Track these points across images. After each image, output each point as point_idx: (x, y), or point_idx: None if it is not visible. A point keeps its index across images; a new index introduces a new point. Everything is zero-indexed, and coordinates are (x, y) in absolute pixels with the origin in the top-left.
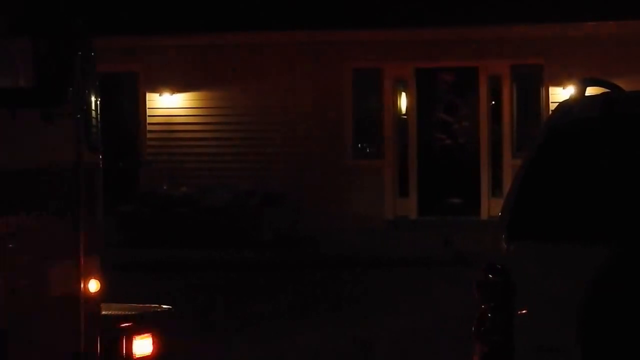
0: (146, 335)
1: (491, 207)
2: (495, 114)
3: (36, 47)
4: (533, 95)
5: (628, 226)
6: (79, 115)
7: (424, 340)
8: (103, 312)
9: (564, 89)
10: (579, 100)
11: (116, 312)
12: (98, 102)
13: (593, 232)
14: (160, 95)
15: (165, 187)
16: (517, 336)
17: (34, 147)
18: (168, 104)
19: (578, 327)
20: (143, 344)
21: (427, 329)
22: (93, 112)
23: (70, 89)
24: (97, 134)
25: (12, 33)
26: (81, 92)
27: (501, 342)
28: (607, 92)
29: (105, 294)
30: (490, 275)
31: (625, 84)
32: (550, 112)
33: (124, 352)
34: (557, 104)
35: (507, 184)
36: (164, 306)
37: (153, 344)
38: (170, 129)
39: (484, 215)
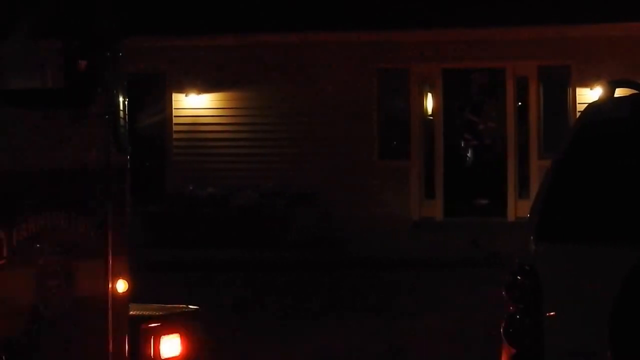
0: (174, 335)
1: (518, 208)
2: (522, 115)
3: (65, 48)
4: (560, 96)
5: None
6: (107, 116)
7: (452, 341)
8: (131, 313)
9: (591, 90)
10: (608, 102)
11: (144, 313)
12: (126, 103)
13: (623, 233)
14: (186, 96)
15: (191, 188)
16: (546, 339)
17: (63, 147)
18: (194, 105)
19: (608, 330)
20: (171, 345)
21: (455, 331)
22: (121, 113)
23: (99, 89)
24: (125, 135)
25: (42, 34)
26: (109, 93)
27: (530, 344)
28: (636, 94)
29: (133, 294)
30: (519, 277)
31: None
32: (577, 113)
33: (152, 352)
34: (586, 105)
35: (533, 185)
36: (192, 306)
37: (181, 344)
38: (196, 129)
39: (510, 216)
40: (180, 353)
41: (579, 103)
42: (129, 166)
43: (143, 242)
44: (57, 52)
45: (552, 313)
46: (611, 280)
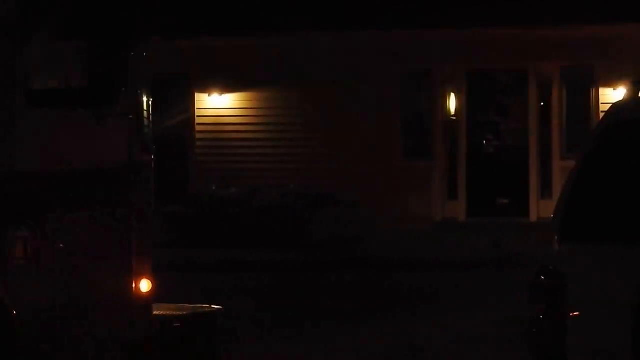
0: (196, 334)
1: (540, 209)
2: (545, 115)
3: (90, 49)
4: (583, 96)
5: None
6: (131, 116)
7: (474, 342)
8: (154, 312)
9: (614, 90)
10: (632, 102)
11: (167, 312)
12: (150, 103)
13: None
14: (209, 96)
15: (214, 188)
16: (570, 338)
17: (87, 147)
18: (217, 105)
19: (632, 329)
20: (193, 343)
21: (478, 331)
22: (145, 113)
23: (123, 89)
24: (148, 134)
25: (67, 34)
26: (133, 93)
27: (554, 344)
28: None
29: (157, 294)
30: (543, 277)
31: None
32: (600, 113)
33: (175, 350)
34: (609, 105)
35: (556, 185)
36: (214, 306)
37: (203, 343)
38: (219, 129)
39: (533, 217)
40: (203, 351)
41: (602, 103)
42: (152, 165)
43: (166, 242)
44: (81, 52)
45: (575, 313)
46: (635, 280)
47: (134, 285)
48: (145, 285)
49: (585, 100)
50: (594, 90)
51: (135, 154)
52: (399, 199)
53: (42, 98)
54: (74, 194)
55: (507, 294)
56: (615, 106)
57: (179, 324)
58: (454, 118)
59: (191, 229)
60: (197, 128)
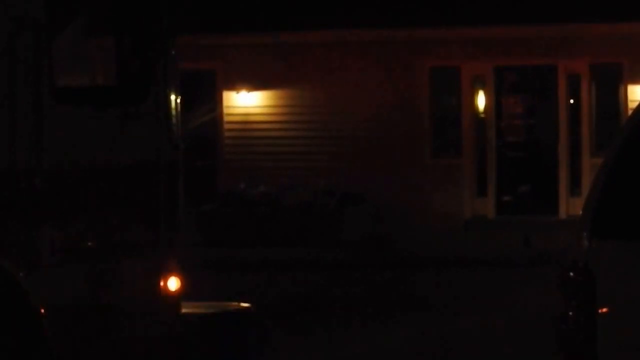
0: (226, 332)
1: (569, 206)
2: (574, 112)
3: (119, 46)
4: (612, 93)
5: None
6: (160, 113)
7: (504, 340)
8: (183, 310)
9: None
10: None
11: (196, 310)
12: (179, 101)
13: None
14: (237, 93)
15: (242, 186)
16: (600, 335)
17: (116, 144)
18: (245, 102)
19: None
20: (223, 341)
21: (508, 329)
22: (173, 111)
23: (152, 87)
24: (177, 132)
25: (97, 32)
26: (162, 91)
27: (584, 341)
28: None
29: (186, 292)
30: (573, 274)
31: None
32: (629, 110)
33: (205, 349)
34: (638, 102)
35: (585, 183)
36: (244, 304)
37: (233, 341)
38: (247, 127)
39: (562, 214)
40: (233, 349)
41: (630, 100)
42: (181, 163)
43: (196, 240)
44: (109, 50)
45: (605, 309)
46: None
47: (162, 284)
48: (173, 284)
49: (614, 97)
50: (622, 88)
51: (164, 152)
52: (428, 196)
53: (71, 96)
54: (103, 192)
55: (537, 291)
56: None
57: (207, 322)
58: (483, 115)
59: (221, 228)
60: (226, 126)
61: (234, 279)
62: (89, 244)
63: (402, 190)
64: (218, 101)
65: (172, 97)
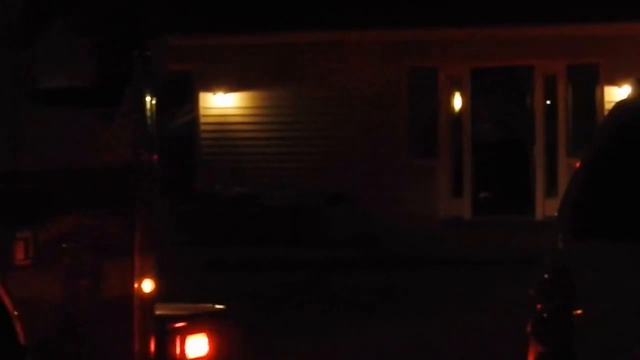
0: (200, 335)
1: (546, 207)
2: (551, 113)
3: (94, 47)
4: (589, 94)
5: None
6: (135, 115)
7: (481, 340)
8: (157, 312)
9: (619, 88)
10: (637, 99)
11: (170, 312)
12: (154, 102)
13: None
14: (214, 95)
15: (219, 187)
16: (576, 336)
17: (91, 146)
18: (222, 104)
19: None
20: (197, 344)
21: (484, 329)
22: (149, 112)
23: (128, 88)
24: (153, 134)
25: (72, 33)
26: (138, 92)
27: (559, 342)
28: None
29: (161, 294)
30: (549, 275)
31: None
32: (606, 111)
33: (178, 352)
34: (614, 103)
35: (562, 184)
36: (219, 306)
37: (207, 344)
38: (224, 128)
39: (538, 215)
40: (207, 353)
41: (607, 101)
42: (157, 165)
43: (175, 241)
44: (86, 51)
45: (582, 311)
46: None
47: (136, 286)
48: (147, 286)
49: (591, 98)
50: (599, 88)
51: (140, 153)
52: (405, 197)
53: (47, 97)
54: (77, 193)
55: (513, 292)
56: (620, 104)
57: (182, 324)
58: (460, 116)
59: (201, 229)
60: (202, 127)
61: (213, 279)
62: (64, 245)
63: (380, 191)
64: (195, 102)
65: (149, 98)
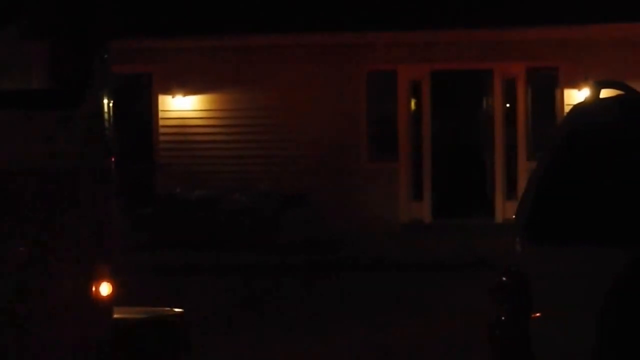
0: (156, 337)
1: (506, 210)
2: (510, 116)
3: (52, 50)
4: (548, 97)
5: None
6: (94, 118)
7: (440, 344)
8: (115, 315)
9: (579, 91)
10: (595, 103)
11: (128, 315)
12: (112, 105)
13: (610, 234)
14: (173, 98)
15: (178, 190)
16: (534, 340)
17: (48, 149)
18: (181, 107)
19: (597, 331)
20: (155, 346)
21: (443, 334)
22: (107, 115)
23: (86, 91)
24: (110, 136)
25: (29, 35)
26: (96, 95)
27: (516, 345)
28: (621, 94)
29: (118, 297)
30: (505, 278)
31: None
32: (565, 114)
33: (136, 354)
34: (573, 106)
35: (521, 186)
36: (176, 309)
37: (165, 346)
38: (183, 131)
39: (498, 218)
40: (164, 355)
41: (566, 104)
42: (113, 167)
43: (132, 244)
44: (44, 53)
45: (538, 314)
46: (597, 281)
47: (93, 289)
48: (105, 289)
49: (550, 101)
50: (558, 91)
51: (97, 156)
52: (365, 200)
53: (4, 99)
54: (35, 197)
55: (472, 295)
56: (577, 107)
57: (138, 327)
58: (419, 119)
59: (158, 232)
60: (161, 130)
61: (170, 282)
62: (21, 249)
63: (340, 194)
64: (154, 105)
65: (106, 101)
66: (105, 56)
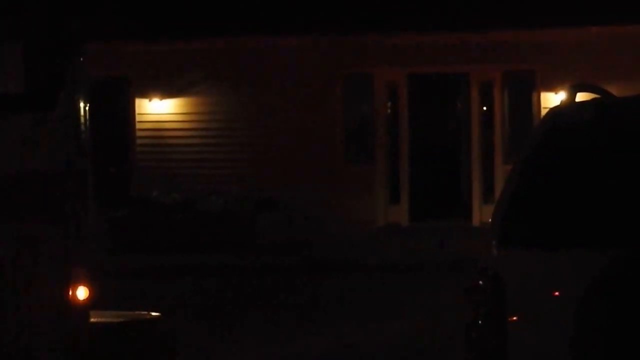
0: (133, 341)
1: (483, 213)
2: (487, 119)
3: (27, 53)
4: (525, 101)
5: (620, 231)
6: (68, 121)
7: (416, 346)
8: (92, 319)
9: (556, 94)
10: (570, 106)
11: (105, 319)
12: (87, 108)
13: (585, 237)
14: (149, 101)
15: (155, 193)
16: (509, 343)
17: (23, 152)
18: (158, 110)
19: (572, 334)
20: (132, 351)
21: (419, 336)
22: (82, 118)
23: (61, 94)
24: (86, 139)
25: (3, 38)
26: (71, 98)
27: (492, 349)
28: (597, 98)
29: (95, 301)
30: (481, 282)
31: (616, 90)
32: (541, 117)
33: (113, 358)
34: (549, 109)
35: (498, 190)
36: (153, 313)
37: (142, 350)
38: (160, 134)
39: (475, 221)
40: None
41: (543, 107)
42: (89, 170)
43: (108, 247)
44: (18, 56)
45: (515, 318)
46: (574, 284)
47: (70, 293)
48: (82, 293)
49: (527, 104)
50: (535, 95)
51: (73, 160)
52: (342, 203)
53: None
54: (10, 200)
55: (449, 298)
56: (553, 110)
57: (115, 331)
58: (396, 122)
59: (134, 235)
60: (138, 133)
61: (146, 286)
62: None
63: (317, 197)
64: (130, 108)
65: (82, 104)
66: (81, 59)
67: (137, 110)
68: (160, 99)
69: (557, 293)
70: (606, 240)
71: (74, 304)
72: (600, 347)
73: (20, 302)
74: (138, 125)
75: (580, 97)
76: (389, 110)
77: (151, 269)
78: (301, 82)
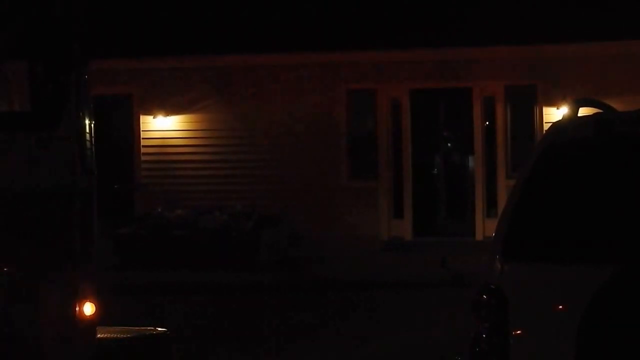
0: (142, 357)
1: (486, 227)
2: (490, 134)
3: (32, 71)
4: (527, 115)
5: (623, 246)
6: (73, 139)
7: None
8: (98, 335)
9: (557, 109)
10: (572, 121)
11: (112, 335)
12: (92, 125)
13: (588, 252)
14: (154, 118)
15: (159, 210)
16: (512, 357)
17: (28, 170)
18: (162, 127)
19: (575, 349)
20: None
21: (424, 351)
22: (87, 135)
23: (65, 112)
24: (91, 157)
25: (8, 57)
26: (76, 116)
27: None
28: (599, 113)
29: (101, 317)
30: (485, 296)
31: (618, 104)
32: (544, 132)
33: None
34: (551, 124)
35: (501, 204)
36: (160, 329)
37: None
38: (164, 151)
39: (478, 236)
40: None
41: (545, 122)
42: (95, 189)
43: (113, 264)
44: (22, 75)
45: (518, 332)
46: (576, 299)
47: (77, 309)
48: (88, 309)
49: (529, 118)
50: (537, 109)
51: (78, 178)
52: (345, 218)
53: None
54: (16, 218)
55: (453, 313)
56: (555, 125)
57: (122, 347)
58: (399, 138)
59: (139, 252)
60: (143, 150)
61: (151, 302)
62: (4, 269)
63: (320, 213)
64: (135, 125)
65: (86, 121)
66: (85, 77)
67: (141, 127)
68: (165, 116)
69: (559, 307)
70: (608, 255)
71: (81, 320)
72: None
73: (27, 319)
74: (143, 142)
75: (583, 111)
76: (392, 126)
77: (154, 286)
78: (304, 99)
